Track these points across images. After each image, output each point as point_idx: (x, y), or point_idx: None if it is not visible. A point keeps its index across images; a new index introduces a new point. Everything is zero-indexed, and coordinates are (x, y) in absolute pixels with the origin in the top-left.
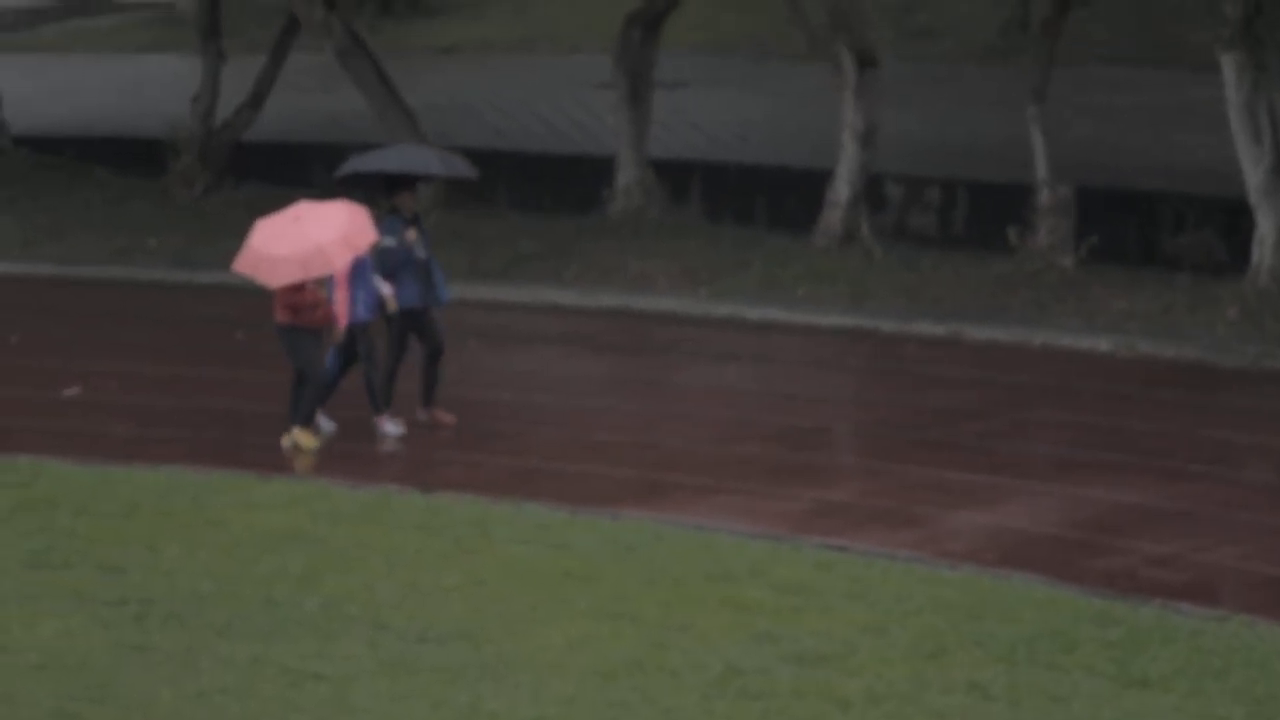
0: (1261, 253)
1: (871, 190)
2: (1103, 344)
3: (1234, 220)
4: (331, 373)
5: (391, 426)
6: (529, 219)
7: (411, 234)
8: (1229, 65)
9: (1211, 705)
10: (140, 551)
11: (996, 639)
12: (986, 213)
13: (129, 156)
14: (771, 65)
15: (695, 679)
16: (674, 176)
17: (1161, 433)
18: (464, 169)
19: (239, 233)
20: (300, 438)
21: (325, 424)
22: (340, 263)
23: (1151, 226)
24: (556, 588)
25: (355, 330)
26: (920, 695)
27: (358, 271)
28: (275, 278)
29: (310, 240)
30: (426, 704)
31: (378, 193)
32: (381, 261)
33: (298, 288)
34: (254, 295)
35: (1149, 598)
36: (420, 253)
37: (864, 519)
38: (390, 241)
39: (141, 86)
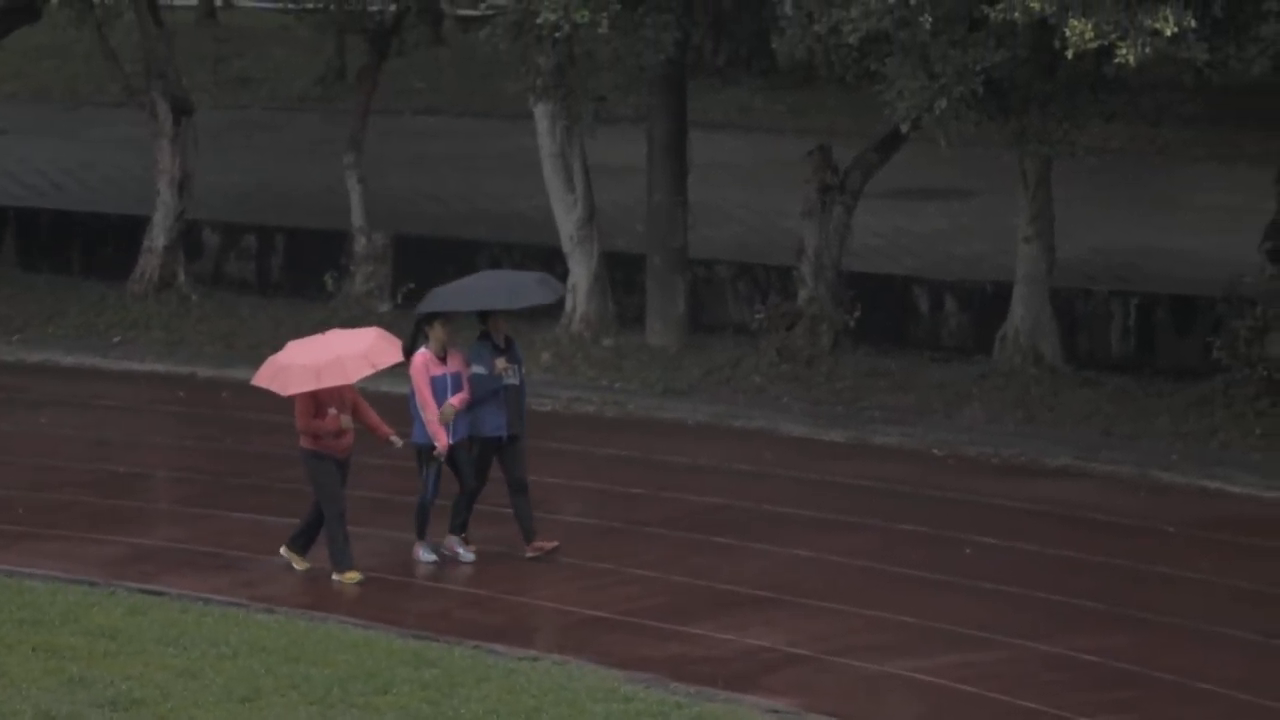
0: (575, 299)
1: (188, 237)
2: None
3: (549, 267)
4: (428, 495)
5: (425, 553)
6: None
7: (501, 363)
8: (541, 115)
9: None
10: None
11: (311, 681)
12: (304, 260)
13: None
14: (87, 113)
15: None
16: None
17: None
18: (539, 295)
19: None
20: (344, 575)
21: (464, 554)
22: (356, 375)
23: (465, 273)
24: None
25: (422, 451)
26: None
27: (436, 393)
28: (288, 386)
29: (331, 352)
30: None
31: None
32: (473, 389)
33: (319, 414)
34: None
35: (464, 639)
36: (512, 379)
37: (180, 564)
38: (481, 369)
39: None
